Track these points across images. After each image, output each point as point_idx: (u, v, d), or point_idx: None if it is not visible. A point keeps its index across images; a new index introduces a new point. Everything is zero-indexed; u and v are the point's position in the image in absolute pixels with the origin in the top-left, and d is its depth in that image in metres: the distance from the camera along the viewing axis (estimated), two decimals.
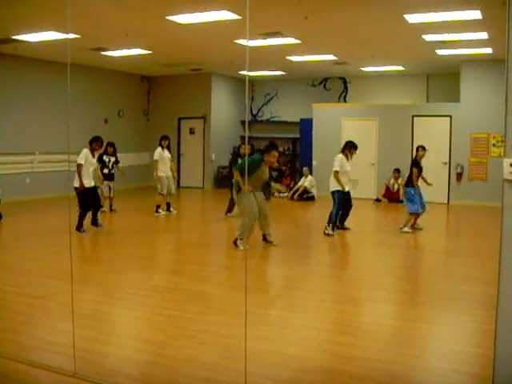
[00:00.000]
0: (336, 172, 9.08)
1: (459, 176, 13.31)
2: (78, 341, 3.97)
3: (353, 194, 9.58)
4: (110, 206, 11.39)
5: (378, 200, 13.75)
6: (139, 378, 3.78)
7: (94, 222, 9.23)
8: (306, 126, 15.29)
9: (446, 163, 13.43)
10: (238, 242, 7.81)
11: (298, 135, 16.09)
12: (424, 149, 9.57)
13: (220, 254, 7.73)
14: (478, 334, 4.69)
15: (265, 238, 8.23)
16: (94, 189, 9.23)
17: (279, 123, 17.11)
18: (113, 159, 11.14)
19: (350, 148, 9.24)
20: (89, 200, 8.95)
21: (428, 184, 9.75)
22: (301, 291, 6.04)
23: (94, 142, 9.07)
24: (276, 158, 8.06)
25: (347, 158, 9.20)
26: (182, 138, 16.89)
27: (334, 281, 6.56)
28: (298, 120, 16.06)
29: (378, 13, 8.33)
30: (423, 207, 9.52)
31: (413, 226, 9.44)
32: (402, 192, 10.17)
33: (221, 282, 6.50)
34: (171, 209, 11.21)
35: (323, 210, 9.61)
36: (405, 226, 9.40)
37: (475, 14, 8.13)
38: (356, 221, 10.81)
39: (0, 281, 6.15)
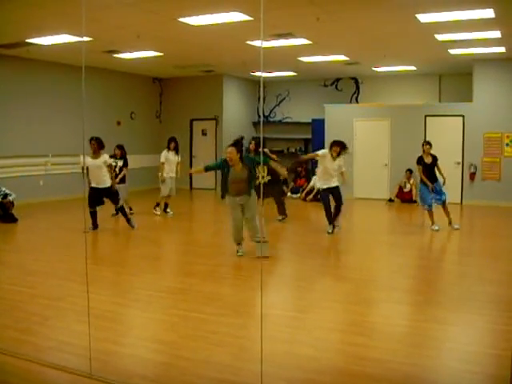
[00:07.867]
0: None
1: (472, 176, 13.23)
2: (93, 342, 4.00)
3: (364, 194, 9.56)
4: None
5: (390, 200, 13.69)
6: (154, 379, 3.79)
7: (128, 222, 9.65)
8: (318, 126, 15.25)
9: (458, 163, 13.36)
10: (236, 247, 7.69)
11: (310, 136, 16.05)
12: (428, 144, 9.68)
13: (232, 255, 7.73)
14: (494, 334, 4.66)
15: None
16: (98, 189, 9.29)
17: (291, 124, 17.12)
18: (120, 163, 10.84)
19: (331, 147, 9.33)
20: (91, 200, 9.27)
21: (442, 177, 9.74)
22: (314, 292, 6.05)
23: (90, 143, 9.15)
24: (230, 153, 7.17)
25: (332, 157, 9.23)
26: (194, 140, 16.93)
27: (348, 281, 6.54)
28: (310, 121, 16.03)
29: (390, 12, 8.31)
30: (431, 202, 9.57)
31: (432, 223, 9.55)
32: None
33: (234, 282, 6.52)
34: (168, 209, 11.31)
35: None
36: (432, 224, 9.56)
37: (488, 13, 8.08)
38: (369, 221, 10.79)
39: (15, 282, 6.21)
